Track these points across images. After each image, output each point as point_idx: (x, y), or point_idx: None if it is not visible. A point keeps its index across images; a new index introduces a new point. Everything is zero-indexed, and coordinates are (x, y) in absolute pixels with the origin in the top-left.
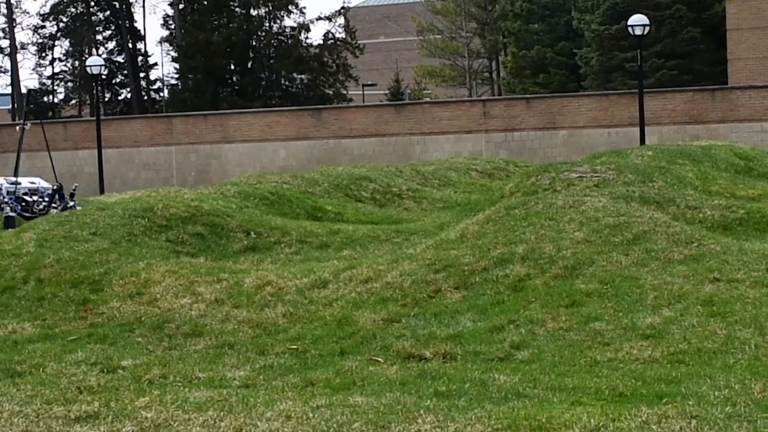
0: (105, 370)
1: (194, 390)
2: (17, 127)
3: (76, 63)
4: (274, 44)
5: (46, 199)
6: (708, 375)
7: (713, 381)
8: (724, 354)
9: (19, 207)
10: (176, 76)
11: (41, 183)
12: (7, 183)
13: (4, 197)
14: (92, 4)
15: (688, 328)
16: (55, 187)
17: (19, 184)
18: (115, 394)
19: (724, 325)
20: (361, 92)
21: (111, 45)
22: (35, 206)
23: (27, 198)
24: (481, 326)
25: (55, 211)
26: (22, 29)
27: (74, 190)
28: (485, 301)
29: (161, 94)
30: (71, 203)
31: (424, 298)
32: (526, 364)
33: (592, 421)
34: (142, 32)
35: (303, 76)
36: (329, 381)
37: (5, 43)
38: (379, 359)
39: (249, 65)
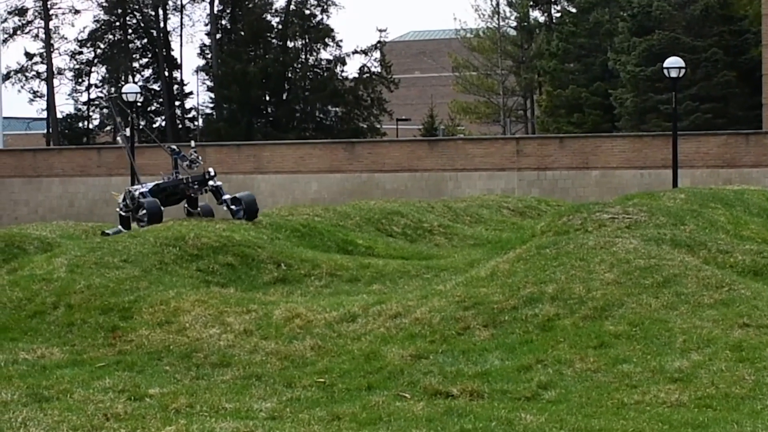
0: (132, 397)
1: (220, 420)
2: (118, 138)
3: (112, 89)
4: (310, 76)
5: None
6: (735, 420)
7: (740, 427)
8: (752, 400)
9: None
10: (211, 105)
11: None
12: (133, 189)
13: (136, 200)
14: (130, 31)
15: (717, 372)
16: (171, 152)
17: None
18: (141, 422)
19: (753, 370)
20: (395, 126)
21: (147, 73)
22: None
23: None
24: (508, 365)
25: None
26: (60, 54)
27: (194, 147)
28: (514, 340)
29: (196, 123)
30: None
31: (453, 335)
32: (552, 405)
33: None
34: (179, 61)
35: (337, 109)
36: (355, 415)
37: (42, 67)
38: (406, 395)
39: (284, 97)
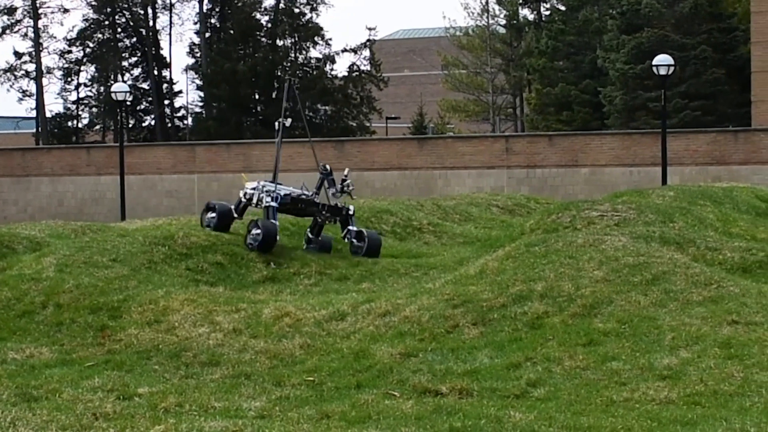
0: (121, 397)
1: (210, 420)
2: (276, 123)
3: (101, 89)
4: (299, 75)
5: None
6: (724, 417)
7: (729, 424)
8: (741, 397)
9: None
10: (201, 104)
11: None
12: (267, 182)
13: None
14: (119, 30)
15: (705, 369)
16: (323, 171)
17: (280, 183)
18: (130, 421)
19: (742, 367)
20: (384, 125)
21: (136, 72)
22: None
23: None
24: (498, 363)
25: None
26: (48, 53)
27: (346, 175)
28: (503, 338)
29: (185, 122)
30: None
31: (442, 333)
32: (542, 402)
33: None
34: (168, 60)
35: (327, 108)
36: (345, 414)
37: (31, 67)
38: (396, 393)
39: (273, 95)
